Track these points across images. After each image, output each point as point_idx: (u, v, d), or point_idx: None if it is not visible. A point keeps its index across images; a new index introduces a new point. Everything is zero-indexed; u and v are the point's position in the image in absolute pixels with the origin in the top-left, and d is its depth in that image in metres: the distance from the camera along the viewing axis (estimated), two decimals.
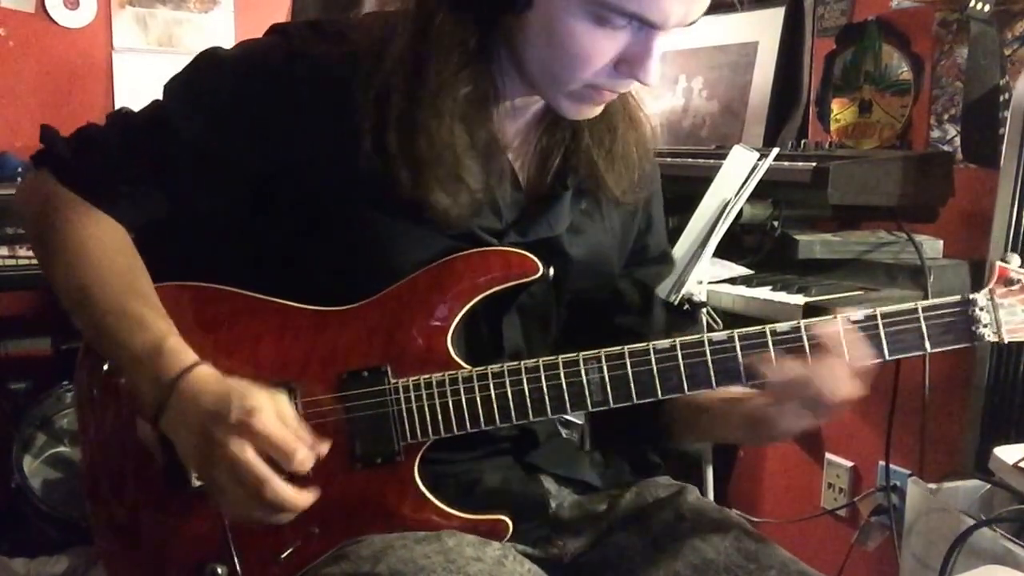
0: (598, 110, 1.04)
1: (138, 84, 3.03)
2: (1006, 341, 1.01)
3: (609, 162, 1.10)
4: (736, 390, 1.06)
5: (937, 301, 1.00)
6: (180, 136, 1.03)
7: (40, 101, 2.95)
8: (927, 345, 0.99)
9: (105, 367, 1.10)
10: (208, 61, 1.07)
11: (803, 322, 0.99)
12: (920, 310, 0.99)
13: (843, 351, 0.96)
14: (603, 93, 1.00)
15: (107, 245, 1.04)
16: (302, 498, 0.94)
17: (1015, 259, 1.03)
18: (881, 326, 0.99)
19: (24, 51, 2.92)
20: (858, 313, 0.99)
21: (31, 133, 2.88)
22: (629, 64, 0.95)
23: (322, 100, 1.01)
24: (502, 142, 1.07)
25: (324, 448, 0.96)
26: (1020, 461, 1.50)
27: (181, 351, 0.97)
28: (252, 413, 0.91)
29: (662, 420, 1.15)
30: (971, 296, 1.00)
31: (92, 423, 1.13)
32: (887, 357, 0.99)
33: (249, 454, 0.91)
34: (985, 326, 1.00)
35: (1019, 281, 1.01)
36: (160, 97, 1.08)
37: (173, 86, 1.07)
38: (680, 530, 1.08)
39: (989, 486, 1.63)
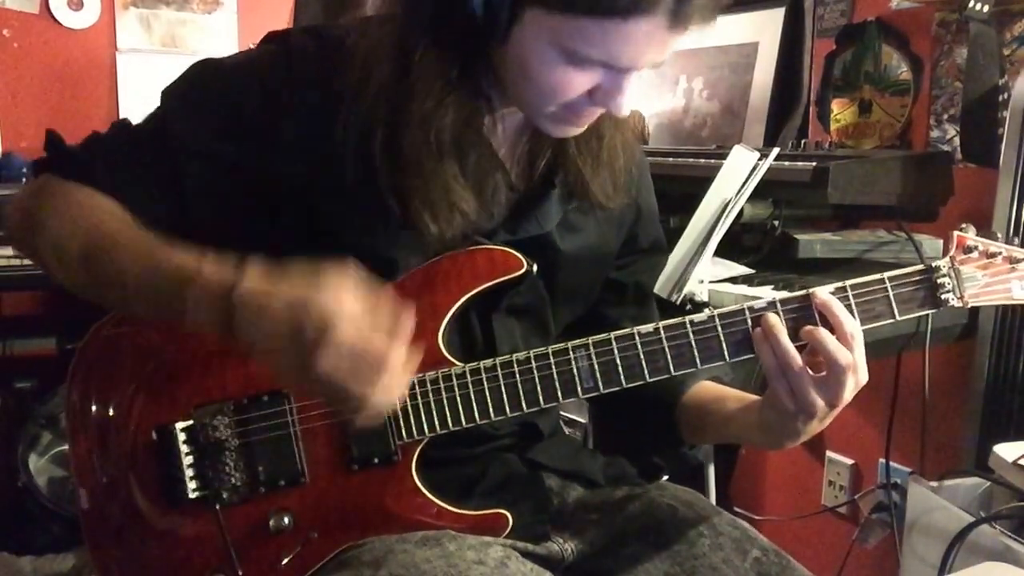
0: (581, 129, 1.04)
1: (142, 84, 3.04)
2: (968, 305, 1.05)
3: (595, 169, 1.11)
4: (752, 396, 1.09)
5: (902, 271, 1.03)
6: (180, 144, 1.02)
7: (44, 102, 2.96)
8: (896, 312, 1.02)
9: (96, 396, 1.09)
10: (206, 70, 1.06)
11: (778, 297, 1.01)
12: (887, 280, 1.02)
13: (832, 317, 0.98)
14: (582, 116, 1.01)
15: (113, 209, 1.01)
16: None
17: (971, 229, 1.06)
18: (851, 297, 1.02)
19: (28, 52, 2.93)
20: (829, 287, 1.02)
21: (36, 134, 2.93)
22: (603, 94, 0.97)
23: (320, 106, 1.01)
24: (494, 145, 1.07)
25: (409, 320, 0.87)
26: (1020, 458, 1.50)
27: (222, 264, 0.91)
28: (328, 328, 0.82)
29: (672, 422, 1.17)
30: (934, 264, 1.03)
31: (85, 442, 1.11)
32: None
33: (343, 356, 0.83)
34: (949, 292, 1.03)
35: (976, 248, 1.05)
36: (158, 105, 1.06)
37: (171, 95, 1.06)
38: (698, 546, 1.07)
39: (989, 483, 1.64)
